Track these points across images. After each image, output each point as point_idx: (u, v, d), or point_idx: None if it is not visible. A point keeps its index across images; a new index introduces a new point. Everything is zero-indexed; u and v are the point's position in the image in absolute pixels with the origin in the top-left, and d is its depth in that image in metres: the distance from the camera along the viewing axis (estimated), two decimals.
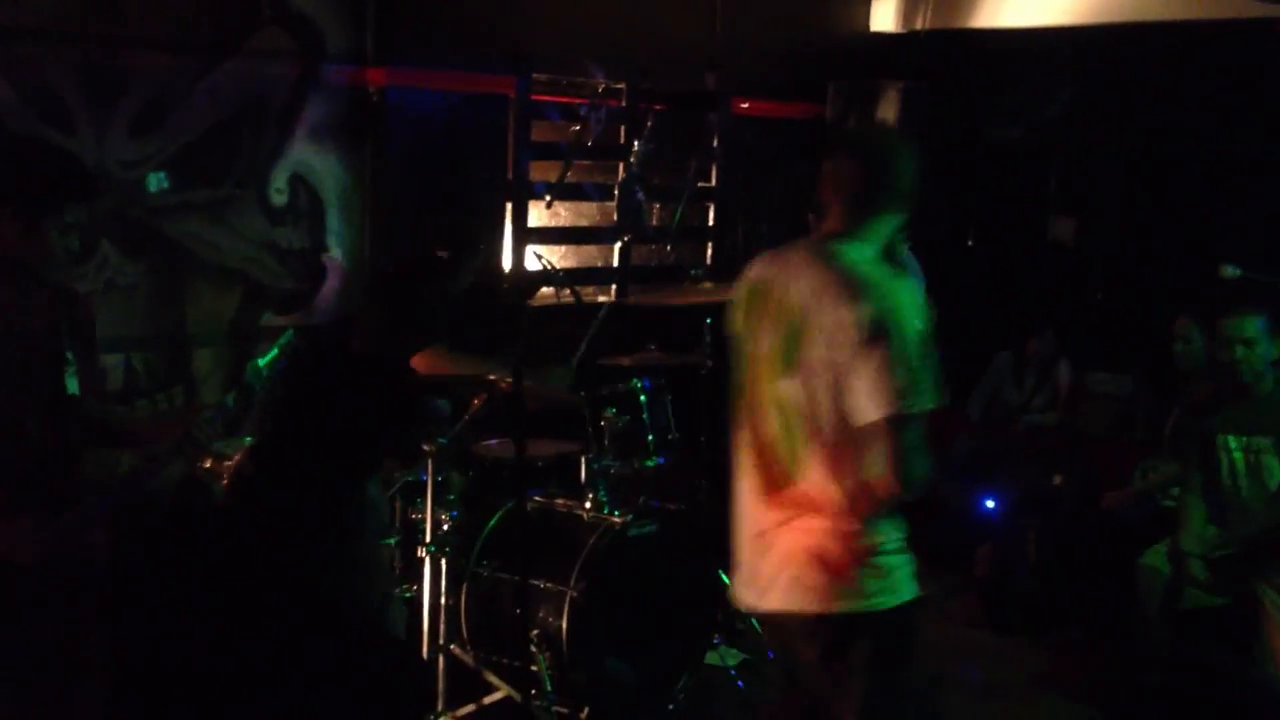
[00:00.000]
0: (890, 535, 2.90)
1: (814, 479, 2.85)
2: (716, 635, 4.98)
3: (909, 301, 2.81)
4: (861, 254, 2.89)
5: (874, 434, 2.72)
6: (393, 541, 4.49)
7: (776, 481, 2.92)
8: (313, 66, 5.21)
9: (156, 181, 4.83)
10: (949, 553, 6.05)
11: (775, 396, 2.89)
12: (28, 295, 3.10)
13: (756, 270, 3.09)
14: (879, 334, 2.71)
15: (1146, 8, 6.49)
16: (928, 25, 7.36)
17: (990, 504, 6.07)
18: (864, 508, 2.83)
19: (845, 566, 2.84)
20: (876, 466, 2.74)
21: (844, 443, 2.79)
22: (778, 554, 2.92)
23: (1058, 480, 5.97)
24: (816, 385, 2.80)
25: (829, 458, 2.82)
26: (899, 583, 2.93)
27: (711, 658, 4.90)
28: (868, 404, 2.72)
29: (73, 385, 3.14)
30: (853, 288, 2.78)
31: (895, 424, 2.70)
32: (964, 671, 5.13)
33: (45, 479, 3.09)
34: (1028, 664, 5.11)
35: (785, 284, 2.91)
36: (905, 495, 2.80)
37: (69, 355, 3.14)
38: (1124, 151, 6.75)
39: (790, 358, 2.85)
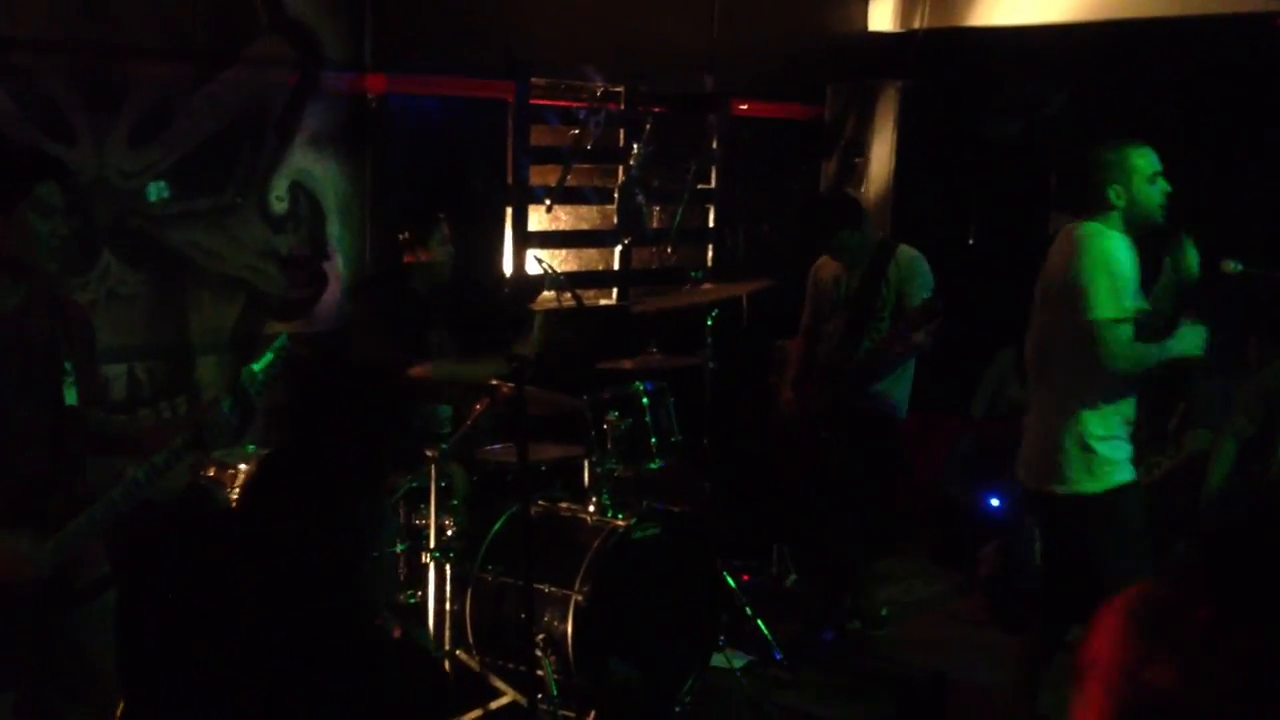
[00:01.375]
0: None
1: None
2: (721, 637, 4.97)
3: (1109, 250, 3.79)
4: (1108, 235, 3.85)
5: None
6: (401, 549, 4.50)
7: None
8: (311, 74, 5.22)
9: (157, 190, 4.84)
10: (953, 552, 6.06)
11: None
12: (27, 303, 3.10)
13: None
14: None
15: (1143, 4, 6.49)
16: (925, 24, 7.36)
17: (995, 502, 6.07)
18: None
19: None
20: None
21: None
22: None
23: None
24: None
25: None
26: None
27: (717, 660, 4.90)
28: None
29: (71, 396, 3.13)
30: (1074, 250, 3.83)
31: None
32: (969, 671, 5.13)
33: (46, 491, 3.09)
34: None
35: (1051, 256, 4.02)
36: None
37: (67, 365, 3.14)
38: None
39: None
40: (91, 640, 3.11)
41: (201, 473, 4.44)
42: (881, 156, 6.84)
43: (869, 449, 5.37)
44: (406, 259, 4.96)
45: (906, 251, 5.39)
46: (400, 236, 4.95)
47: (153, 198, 4.83)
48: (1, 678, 3.05)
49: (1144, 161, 3.92)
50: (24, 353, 3.07)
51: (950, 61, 7.08)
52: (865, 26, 7.40)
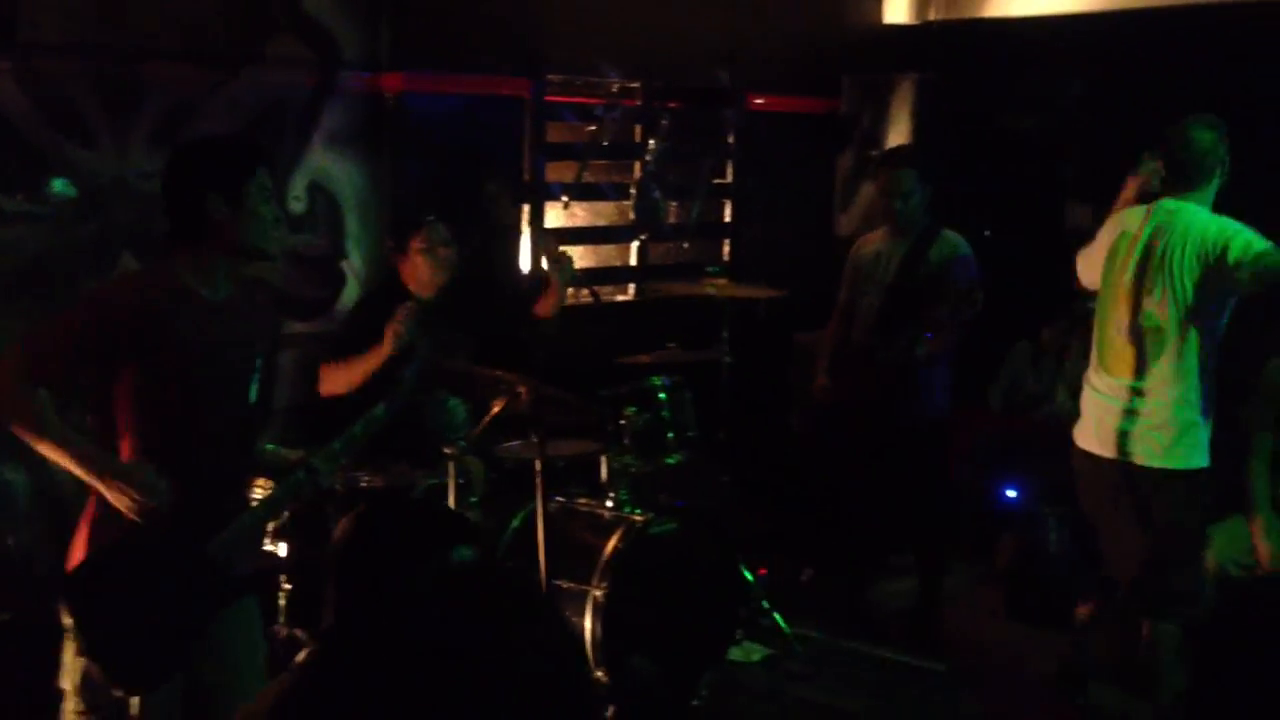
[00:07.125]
0: None
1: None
2: (739, 631, 5.00)
3: None
4: None
5: None
6: None
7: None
8: (329, 73, 5.25)
9: None
10: (970, 544, 6.07)
11: None
12: (235, 294, 3.06)
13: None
14: None
15: None
16: (940, 16, 7.36)
17: (1011, 494, 6.08)
18: None
19: None
20: None
21: None
22: None
23: None
24: None
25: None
26: None
27: (735, 653, 4.93)
28: None
29: (253, 393, 3.09)
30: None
31: None
32: (987, 661, 5.14)
33: (232, 488, 3.10)
34: (1051, 655, 5.10)
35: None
36: None
37: (257, 362, 3.10)
38: (1141, 137, 6.72)
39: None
40: (229, 636, 3.06)
41: None
42: None
43: (925, 455, 5.24)
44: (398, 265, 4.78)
45: (952, 235, 5.23)
46: (387, 245, 4.84)
47: None
48: (173, 663, 2.98)
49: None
50: (228, 345, 3.03)
51: (966, 53, 7.07)
52: (880, 19, 7.39)
